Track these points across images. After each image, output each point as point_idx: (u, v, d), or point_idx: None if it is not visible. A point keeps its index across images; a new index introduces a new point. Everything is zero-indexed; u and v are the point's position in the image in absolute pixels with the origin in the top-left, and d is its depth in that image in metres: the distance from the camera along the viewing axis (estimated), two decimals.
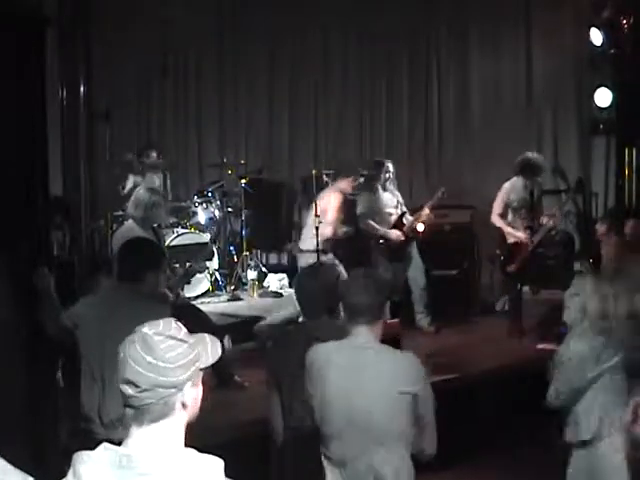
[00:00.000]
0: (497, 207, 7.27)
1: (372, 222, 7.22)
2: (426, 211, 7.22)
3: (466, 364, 6.24)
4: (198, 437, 1.94)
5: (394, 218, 7.32)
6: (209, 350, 1.91)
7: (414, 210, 7.41)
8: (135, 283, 3.85)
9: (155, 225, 5.84)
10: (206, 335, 1.94)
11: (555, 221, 7.35)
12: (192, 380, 1.86)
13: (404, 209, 7.44)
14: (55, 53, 6.99)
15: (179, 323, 1.91)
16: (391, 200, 7.40)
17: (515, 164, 7.27)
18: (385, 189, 7.34)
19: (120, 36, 8.12)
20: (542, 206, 7.50)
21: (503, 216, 7.25)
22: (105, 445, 1.84)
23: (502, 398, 5.97)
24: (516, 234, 7.11)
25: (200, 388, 1.91)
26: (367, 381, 3.02)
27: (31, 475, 2.05)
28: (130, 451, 1.81)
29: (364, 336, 3.09)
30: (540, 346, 6.26)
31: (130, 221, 5.69)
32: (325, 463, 3.15)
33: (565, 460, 3.79)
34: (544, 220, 7.31)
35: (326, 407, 3.10)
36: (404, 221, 7.34)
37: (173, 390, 1.82)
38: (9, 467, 2.20)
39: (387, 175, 7.33)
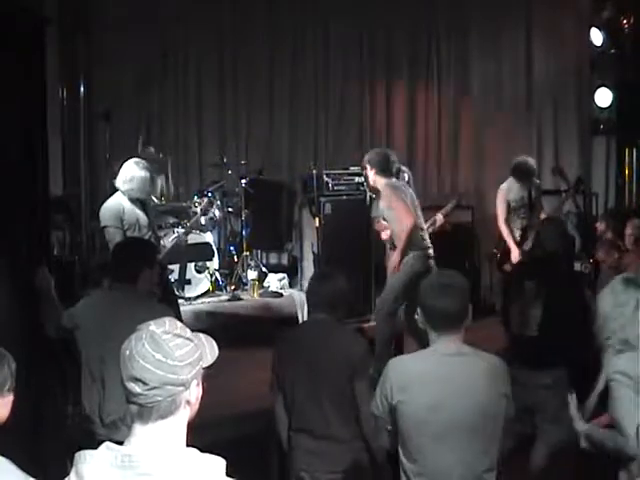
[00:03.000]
0: (500, 211, 7.30)
1: (385, 223, 7.22)
2: (440, 217, 7.18)
3: None
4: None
5: None
6: (207, 350, 1.92)
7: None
8: (132, 283, 3.86)
9: (143, 197, 5.86)
10: (201, 335, 1.95)
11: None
12: (197, 378, 1.88)
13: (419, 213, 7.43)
14: (55, 53, 7.00)
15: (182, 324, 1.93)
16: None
17: (511, 167, 7.33)
18: None
19: (120, 36, 8.11)
20: (541, 205, 7.51)
21: (506, 218, 7.29)
22: (107, 445, 1.84)
23: None
24: (514, 250, 7.16)
25: (201, 387, 1.92)
26: (472, 388, 2.88)
27: (34, 477, 2.05)
28: (132, 450, 1.81)
29: (455, 342, 2.94)
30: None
31: (118, 193, 5.72)
32: (415, 472, 2.93)
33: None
34: (543, 216, 7.34)
35: (426, 417, 2.88)
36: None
37: (181, 388, 1.83)
38: (11, 467, 2.20)
39: (404, 180, 7.30)
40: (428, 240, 6.34)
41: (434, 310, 2.92)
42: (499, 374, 2.98)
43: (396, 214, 6.11)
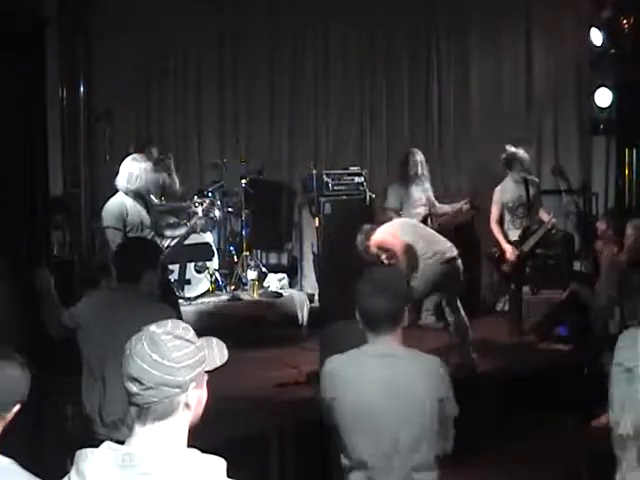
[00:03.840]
0: (494, 212, 7.36)
1: (395, 216, 7.22)
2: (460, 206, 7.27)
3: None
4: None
5: (421, 216, 7.34)
6: (216, 354, 1.92)
7: None
8: (134, 283, 3.86)
9: (147, 191, 5.86)
10: (213, 339, 1.95)
11: (550, 221, 7.36)
12: (196, 381, 1.86)
13: (435, 203, 7.46)
14: (55, 53, 7.00)
15: (187, 325, 1.92)
16: (420, 198, 7.39)
17: (502, 162, 7.37)
18: (416, 182, 7.33)
19: (120, 36, 8.11)
20: (540, 203, 7.53)
21: (500, 220, 7.31)
22: (108, 444, 1.85)
23: (502, 398, 5.97)
24: (505, 246, 7.17)
25: (204, 391, 1.91)
26: (402, 390, 2.89)
27: (39, 477, 2.06)
28: (132, 450, 1.82)
29: (389, 343, 2.95)
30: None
31: (120, 193, 5.68)
32: (348, 467, 2.98)
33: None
34: (543, 215, 7.35)
35: (354, 416, 2.93)
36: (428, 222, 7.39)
37: (177, 390, 1.82)
38: (18, 469, 2.21)
39: (415, 167, 7.29)
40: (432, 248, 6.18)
41: (367, 310, 2.94)
42: (434, 375, 2.96)
43: None
